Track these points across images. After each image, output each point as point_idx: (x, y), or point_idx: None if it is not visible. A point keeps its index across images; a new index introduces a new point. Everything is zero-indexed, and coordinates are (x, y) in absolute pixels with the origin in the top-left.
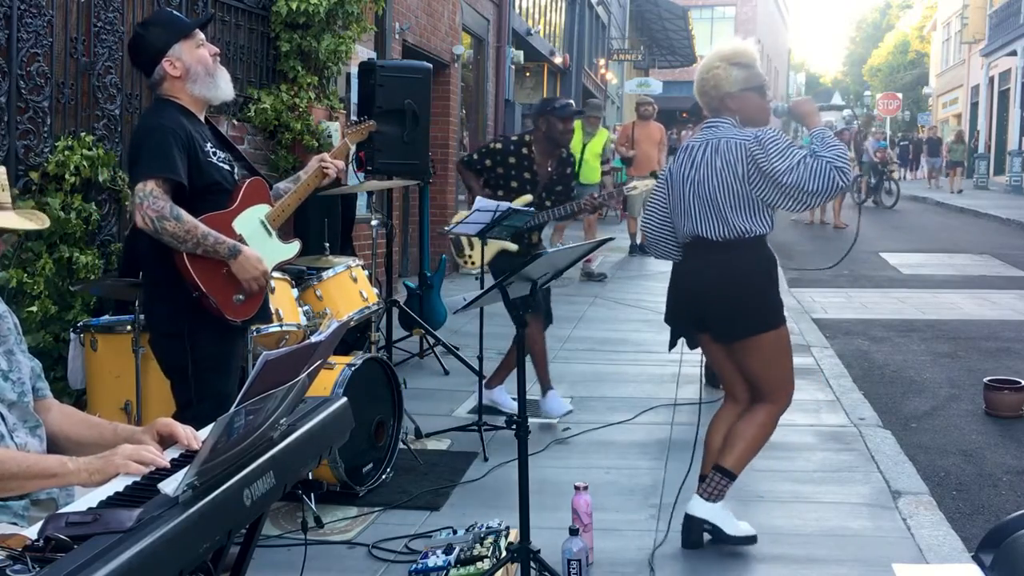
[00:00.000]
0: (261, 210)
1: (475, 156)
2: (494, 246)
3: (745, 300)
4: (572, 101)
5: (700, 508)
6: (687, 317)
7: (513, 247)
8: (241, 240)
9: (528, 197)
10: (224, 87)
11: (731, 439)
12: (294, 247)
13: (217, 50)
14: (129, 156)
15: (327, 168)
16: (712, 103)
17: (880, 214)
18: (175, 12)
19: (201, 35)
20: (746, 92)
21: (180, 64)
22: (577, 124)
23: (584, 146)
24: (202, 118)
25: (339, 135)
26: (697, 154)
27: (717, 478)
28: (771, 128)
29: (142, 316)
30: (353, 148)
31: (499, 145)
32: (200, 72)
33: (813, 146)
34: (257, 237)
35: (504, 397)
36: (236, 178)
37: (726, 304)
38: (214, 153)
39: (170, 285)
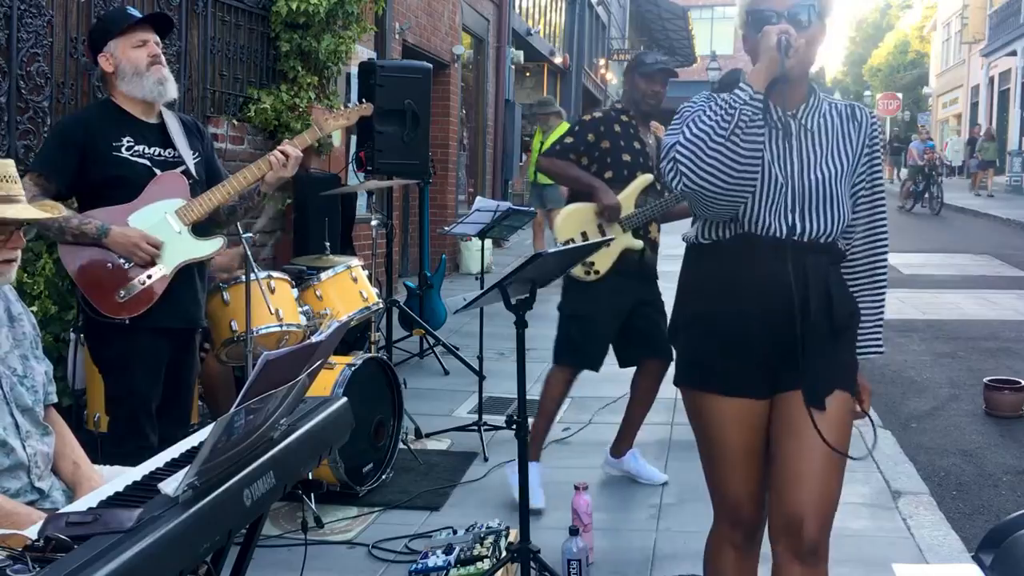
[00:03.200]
0: (171, 204)
1: (568, 139)
2: (619, 244)
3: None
4: (664, 58)
5: None
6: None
7: (638, 244)
8: None
9: (649, 177)
10: (152, 88)
11: None
12: (213, 243)
13: (157, 52)
14: None
15: (284, 152)
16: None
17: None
18: (129, 9)
19: (144, 35)
20: None
21: (112, 60)
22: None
23: (541, 144)
24: (149, 116)
25: (339, 135)
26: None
27: None
28: None
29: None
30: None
31: (598, 114)
32: (127, 70)
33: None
34: (160, 231)
35: (640, 464)
36: (157, 173)
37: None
38: (129, 148)
39: (70, 283)
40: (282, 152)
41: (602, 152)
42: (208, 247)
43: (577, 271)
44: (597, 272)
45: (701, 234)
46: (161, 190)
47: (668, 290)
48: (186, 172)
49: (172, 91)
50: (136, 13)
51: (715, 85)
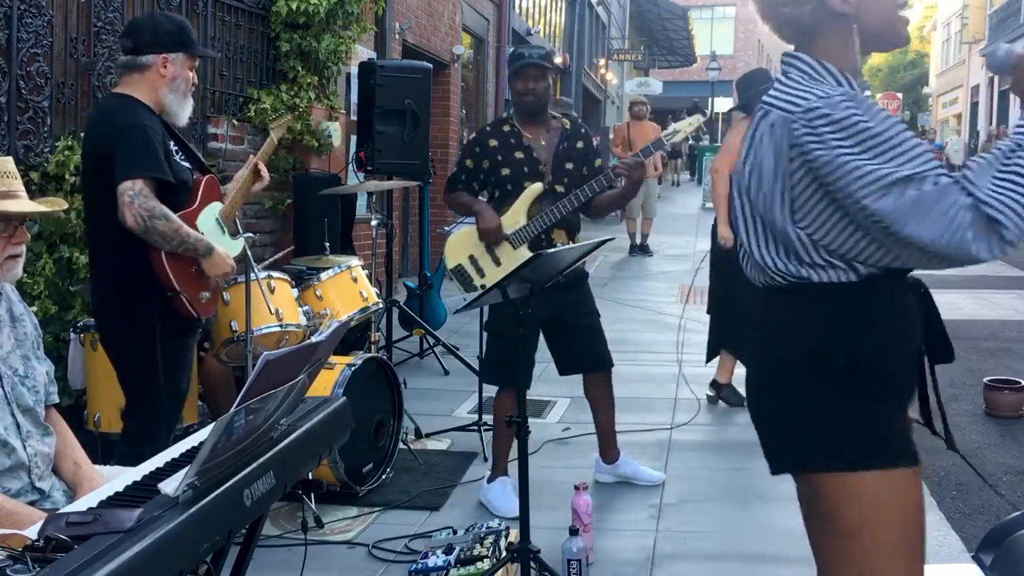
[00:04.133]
0: (216, 208)
1: (453, 171)
2: (509, 263)
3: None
4: (532, 50)
5: None
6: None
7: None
8: None
9: (538, 185)
10: (184, 113)
11: None
12: (239, 243)
13: (196, 82)
14: (101, 153)
15: (261, 169)
16: (792, 21)
17: None
18: (187, 27)
19: (194, 62)
20: None
21: (171, 70)
22: None
23: None
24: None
25: (339, 135)
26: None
27: None
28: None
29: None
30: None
31: (473, 135)
32: (181, 87)
33: (978, 158)
34: (214, 234)
35: (634, 467)
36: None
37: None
38: (177, 152)
39: (139, 285)
40: (263, 171)
41: (485, 172)
42: (238, 245)
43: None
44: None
45: (850, 270)
46: (208, 194)
47: (662, 291)
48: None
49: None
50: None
51: (739, 81)
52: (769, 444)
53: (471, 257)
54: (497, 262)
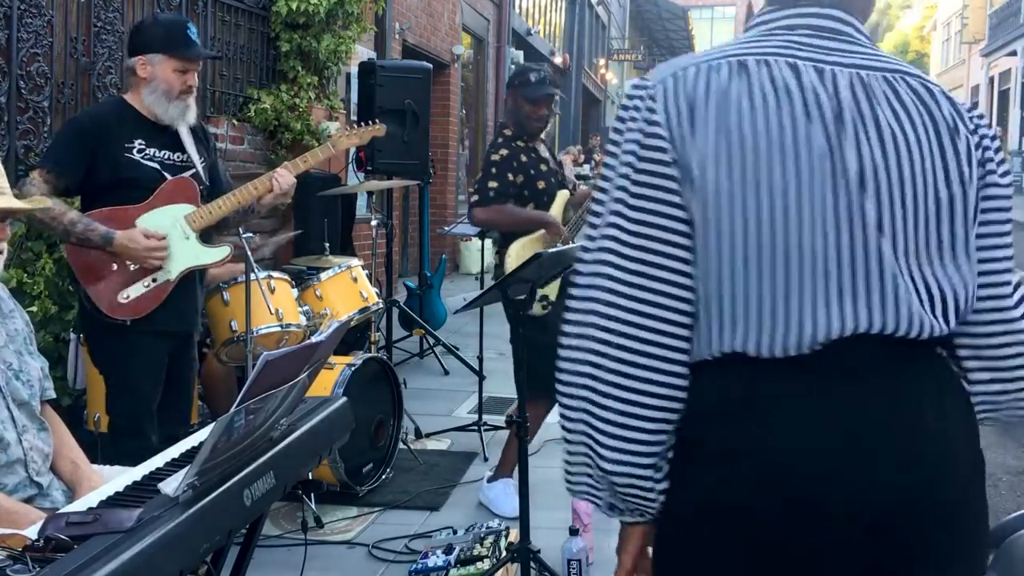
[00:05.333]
0: (180, 209)
1: (492, 184)
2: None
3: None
4: (550, 77)
5: None
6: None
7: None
8: None
9: (566, 192)
10: (175, 115)
11: None
12: (220, 251)
13: (194, 84)
14: None
15: (279, 178)
16: None
17: None
18: (190, 29)
19: (189, 64)
20: None
21: (149, 71)
22: None
23: None
24: (161, 120)
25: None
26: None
27: None
28: None
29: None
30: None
31: (504, 151)
32: (159, 88)
33: None
34: (170, 236)
35: (499, 493)
36: (167, 178)
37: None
38: (141, 151)
39: (75, 282)
40: (278, 180)
41: (518, 187)
42: (215, 254)
43: (536, 309)
44: (551, 303)
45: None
46: (172, 194)
47: None
48: (196, 176)
49: (192, 118)
50: (195, 37)
51: None
52: (975, 544)
53: None
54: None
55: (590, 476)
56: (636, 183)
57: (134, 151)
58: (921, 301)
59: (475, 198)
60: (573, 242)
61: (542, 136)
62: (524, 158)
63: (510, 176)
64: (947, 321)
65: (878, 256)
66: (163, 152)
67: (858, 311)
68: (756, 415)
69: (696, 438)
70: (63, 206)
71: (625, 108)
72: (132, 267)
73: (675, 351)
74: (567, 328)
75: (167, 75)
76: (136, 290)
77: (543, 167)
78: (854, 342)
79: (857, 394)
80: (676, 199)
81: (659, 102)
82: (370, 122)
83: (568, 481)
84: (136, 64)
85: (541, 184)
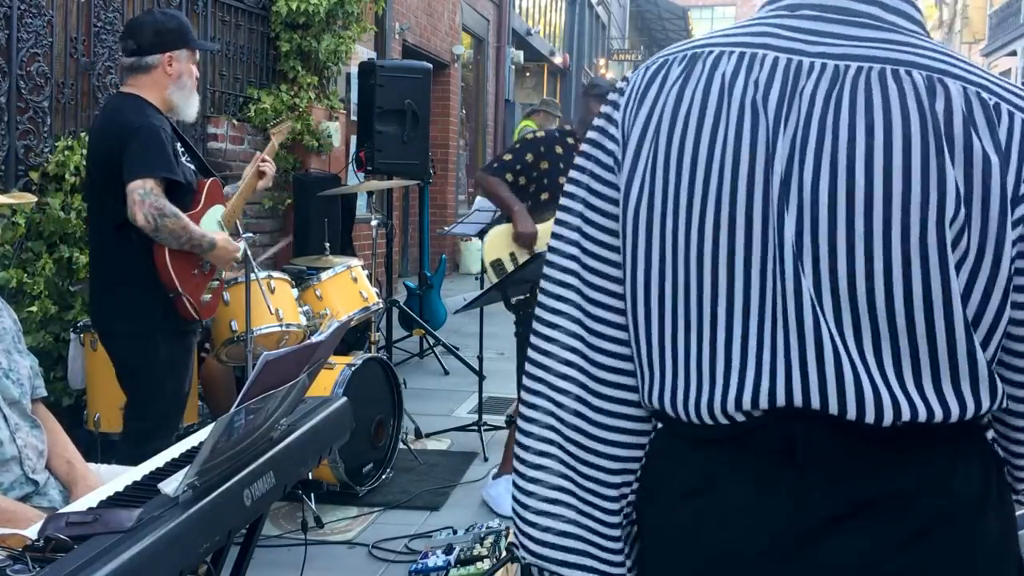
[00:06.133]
0: (218, 210)
1: (507, 157)
2: None
3: None
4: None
5: None
6: None
7: None
8: None
9: None
10: (191, 109)
11: None
12: (241, 245)
13: (198, 75)
14: (110, 152)
15: (263, 167)
16: None
17: None
18: (189, 24)
19: (196, 57)
20: None
21: (176, 68)
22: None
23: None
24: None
25: (339, 135)
26: (817, 89)
27: None
28: None
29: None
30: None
31: (541, 134)
32: (187, 84)
33: None
34: None
35: (501, 491)
36: (196, 178)
37: None
38: (183, 154)
39: (140, 285)
40: (268, 166)
41: (540, 173)
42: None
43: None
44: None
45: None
46: (213, 196)
47: None
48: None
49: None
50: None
51: None
52: None
53: (512, 254)
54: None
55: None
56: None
57: (181, 155)
58: (880, 375)
59: (488, 163)
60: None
61: None
62: (559, 150)
63: (529, 157)
64: (942, 398)
65: (817, 313)
66: (182, 151)
67: (788, 380)
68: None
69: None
70: (185, 217)
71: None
72: (203, 270)
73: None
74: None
75: (190, 69)
76: (208, 291)
77: None
78: (788, 417)
79: (767, 480)
80: (611, 208)
81: (624, 95)
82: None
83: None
84: (162, 62)
85: (563, 180)
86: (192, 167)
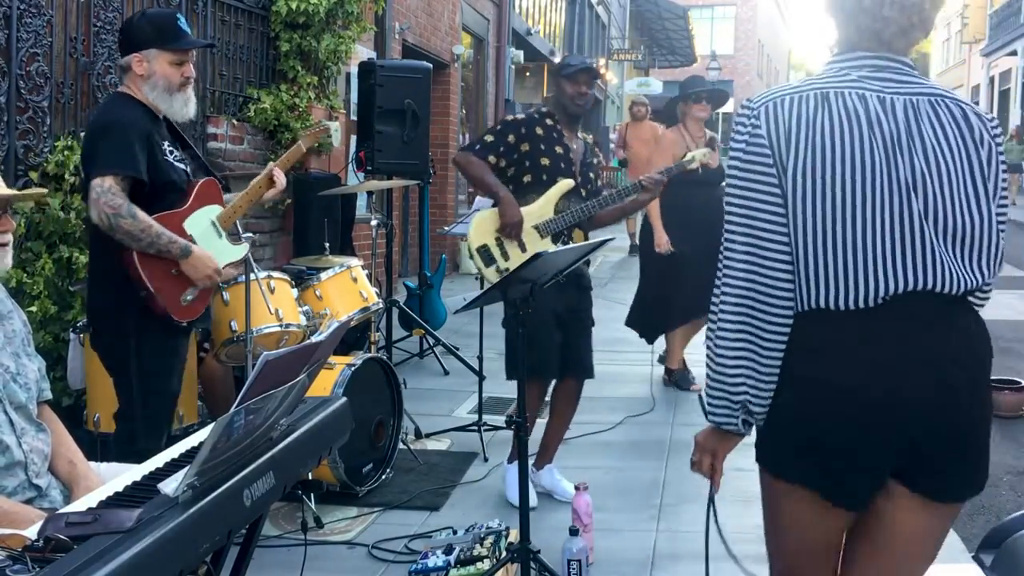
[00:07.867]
0: (213, 211)
1: (488, 138)
2: (536, 249)
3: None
4: (586, 59)
5: None
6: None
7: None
8: (191, 240)
9: (570, 182)
10: (178, 109)
11: None
12: (243, 248)
13: (192, 74)
14: (85, 150)
15: (275, 176)
16: (906, 25)
17: None
18: (180, 20)
19: (184, 55)
20: None
21: (146, 67)
22: None
23: None
24: (161, 117)
25: (340, 135)
26: (906, 113)
27: None
28: None
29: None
30: (352, 150)
31: (521, 116)
32: (159, 84)
33: None
34: (207, 237)
35: (555, 481)
36: (191, 178)
37: (978, 415)
38: (171, 152)
39: (116, 283)
40: (278, 176)
41: (521, 155)
42: (239, 251)
43: (491, 275)
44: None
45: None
46: (205, 196)
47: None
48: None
49: (192, 111)
50: (186, 28)
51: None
52: (970, 468)
53: (498, 240)
54: (523, 248)
55: (729, 403)
56: (742, 170)
57: (167, 153)
58: (956, 265)
59: (468, 144)
60: (543, 236)
61: (589, 137)
62: (540, 131)
63: (511, 138)
64: (981, 274)
65: (922, 237)
66: (181, 152)
67: (907, 275)
68: (826, 354)
69: (788, 367)
70: (147, 219)
71: (736, 124)
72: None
73: (786, 300)
74: (726, 279)
75: (164, 69)
76: (192, 292)
77: (559, 149)
78: (906, 297)
79: (907, 332)
80: (773, 180)
81: (761, 120)
82: (319, 122)
83: (711, 413)
84: (132, 61)
85: (546, 161)
86: (185, 167)
